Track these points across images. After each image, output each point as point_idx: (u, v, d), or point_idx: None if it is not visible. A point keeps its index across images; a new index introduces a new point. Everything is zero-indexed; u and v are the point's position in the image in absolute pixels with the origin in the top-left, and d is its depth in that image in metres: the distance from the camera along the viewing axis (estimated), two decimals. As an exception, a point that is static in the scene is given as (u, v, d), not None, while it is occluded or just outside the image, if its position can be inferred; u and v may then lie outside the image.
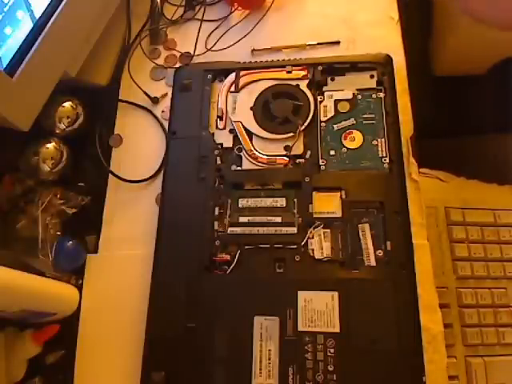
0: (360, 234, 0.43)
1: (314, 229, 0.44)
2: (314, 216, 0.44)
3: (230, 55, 0.54)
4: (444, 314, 0.42)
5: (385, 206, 0.43)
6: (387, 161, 0.45)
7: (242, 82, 0.51)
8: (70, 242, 0.47)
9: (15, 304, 0.39)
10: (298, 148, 0.47)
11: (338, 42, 0.53)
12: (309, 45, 0.53)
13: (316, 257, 0.42)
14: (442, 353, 0.40)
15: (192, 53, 0.56)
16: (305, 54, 0.53)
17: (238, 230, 0.45)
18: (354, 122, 0.47)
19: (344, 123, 0.48)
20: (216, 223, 0.45)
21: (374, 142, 0.46)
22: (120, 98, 0.55)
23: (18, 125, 0.44)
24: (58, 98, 0.50)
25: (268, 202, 0.46)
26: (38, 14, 0.45)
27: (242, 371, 0.39)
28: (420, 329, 0.39)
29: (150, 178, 0.50)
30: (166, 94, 0.54)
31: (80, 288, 0.47)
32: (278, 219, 0.44)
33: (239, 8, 0.57)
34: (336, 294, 0.41)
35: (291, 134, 0.47)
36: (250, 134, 0.49)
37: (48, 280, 0.44)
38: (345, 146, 0.47)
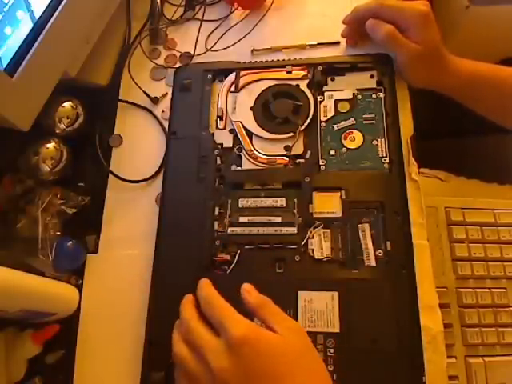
0: (360, 234, 0.43)
1: (314, 229, 0.44)
2: (314, 216, 0.44)
3: (230, 55, 0.54)
4: (444, 314, 0.42)
5: (385, 206, 0.43)
6: (387, 161, 0.45)
7: (242, 82, 0.51)
8: (70, 242, 0.47)
9: (15, 304, 0.39)
10: (298, 148, 0.47)
11: (338, 42, 0.53)
12: (309, 45, 0.53)
13: (316, 257, 0.42)
14: (441, 353, 0.40)
15: (192, 53, 0.56)
16: (305, 53, 0.53)
17: (237, 230, 0.45)
18: (354, 122, 0.47)
19: (344, 123, 0.48)
20: (216, 223, 0.45)
21: (374, 142, 0.46)
22: (120, 98, 0.55)
23: (18, 125, 0.44)
24: (58, 97, 0.50)
25: (268, 202, 0.46)
26: (38, 13, 0.45)
27: (242, 371, 0.39)
28: (420, 329, 0.39)
29: (150, 178, 0.50)
30: (166, 94, 0.54)
31: (80, 288, 0.47)
32: (278, 219, 0.44)
33: (239, 8, 0.57)
34: (336, 294, 0.41)
35: (291, 134, 0.47)
36: (249, 133, 0.49)
37: (48, 280, 0.44)
38: (345, 146, 0.47)
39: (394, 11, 0.47)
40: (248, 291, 0.36)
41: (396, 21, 0.47)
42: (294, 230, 0.44)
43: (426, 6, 0.46)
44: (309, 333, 0.39)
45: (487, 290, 0.52)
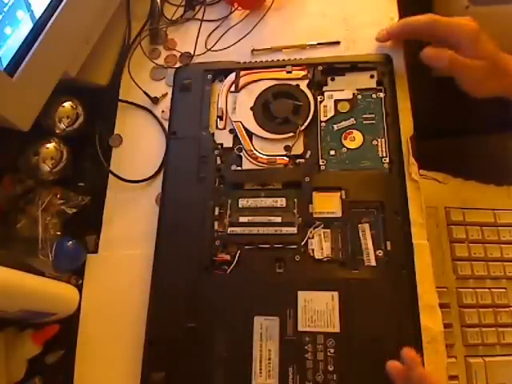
0: (360, 233, 0.43)
1: (314, 229, 0.44)
2: (314, 216, 0.44)
3: (230, 55, 0.54)
4: (444, 314, 0.42)
5: (385, 206, 0.43)
6: (387, 161, 0.45)
7: (242, 82, 0.51)
8: (70, 242, 0.47)
9: (15, 304, 0.39)
10: (298, 148, 0.47)
11: (338, 42, 0.53)
12: (309, 45, 0.53)
13: (316, 257, 0.42)
14: (441, 353, 0.40)
15: (192, 53, 0.56)
16: (305, 53, 0.53)
17: (237, 230, 0.45)
18: (354, 122, 0.47)
19: (344, 123, 0.48)
20: (216, 223, 0.45)
21: (374, 142, 0.46)
22: (120, 98, 0.55)
23: (18, 125, 0.44)
24: (58, 98, 0.50)
25: (268, 202, 0.46)
26: (38, 13, 0.45)
27: (242, 371, 0.40)
28: (420, 329, 0.39)
29: (150, 178, 0.50)
30: (166, 94, 0.54)
31: (80, 288, 0.47)
32: (278, 219, 0.44)
33: (239, 8, 0.56)
34: (336, 293, 0.41)
35: (291, 134, 0.47)
36: (249, 134, 0.49)
37: (48, 280, 0.44)
38: (345, 146, 0.47)
39: (446, 29, 0.46)
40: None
41: (447, 38, 0.46)
42: (294, 230, 0.44)
43: (473, 21, 0.46)
44: (309, 333, 0.40)
45: (487, 290, 0.52)
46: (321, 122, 0.48)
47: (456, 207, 0.55)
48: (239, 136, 0.49)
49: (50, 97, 0.47)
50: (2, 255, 0.46)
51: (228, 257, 0.44)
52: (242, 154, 0.48)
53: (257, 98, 0.50)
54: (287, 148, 0.47)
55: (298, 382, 0.39)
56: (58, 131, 0.51)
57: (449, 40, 0.46)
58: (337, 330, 0.40)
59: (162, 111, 0.54)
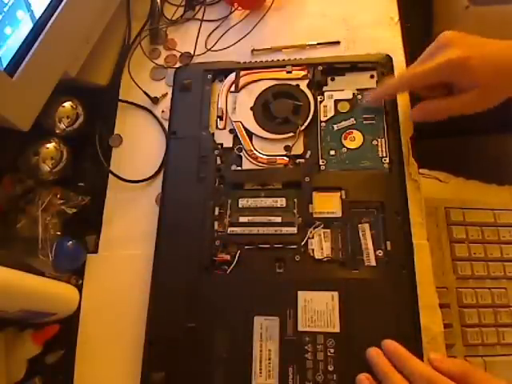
0: (360, 233, 0.43)
1: (314, 229, 0.44)
2: (314, 216, 0.44)
3: (230, 55, 0.54)
4: (444, 314, 0.42)
5: (385, 206, 0.43)
6: (387, 161, 0.45)
7: (242, 82, 0.51)
8: (70, 242, 0.47)
9: (15, 304, 0.39)
10: (298, 148, 0.47)
11: (338, 42, 0.53)
12: (309, 45, 0.53)
13: (316, 257, 0.42)
14: (441, 353, 0.40)
15: (192, 53, 0.56)
16: (305, 53, 0.53)
17: (237, 230, 0.45)
18: (354, 122, 0.47)
19: (344, 123, 0.48)
20: (216, 223, 0.45)
21: (374, 142, 0.46)
22: (120, 98, 0.55)
23: (18, 125, 0.44)
24: (58, 98, 0.50)
25: (268, 202, 0.46)
26: (38, 13, 0.45)
27: (242, 371, 0.39)
28: (420, 329, 0.39)
29: (150, 178, 0.50)
30: (166, 94, 0.54)
31: (80, 288, 0.47)
32: (278, 219, 0.44)
33: (239, 8, 0.57)
34: (336, 293, 0.41)
35: (291, 134, 0.47)
36: (249, 134, 0.49)
37: (48, 280, 0.44)
38: (345, 146, 0.47)
39: (429, 76, 0.43)
40: (439, 360, 0.36)
41: (437, 83, 0.43)
42: (294, 230, 0.44)
43: (456, 51, 0.40)
44: (309, 333, 0.40)
45: (487, 290, 0.52)
46: (321, 121, 0.48)
47: (456, 207, 0.55)
48: (239, 136, 0.49)
49: (50, 97, 0.47)
50: (2, 255, 0.46)
51: (228, 257, 0.44)
52: (242, 154, 0.48)
53: (257, 98, 0.50)
54: (287, 148, 0.47)
55: (298, 382, 0.39)
56: (58, 131, 0.51)
57: (439, 84, 0.43)
58: (337, 330, 0.40)
59: (162, 111, 0.54)
